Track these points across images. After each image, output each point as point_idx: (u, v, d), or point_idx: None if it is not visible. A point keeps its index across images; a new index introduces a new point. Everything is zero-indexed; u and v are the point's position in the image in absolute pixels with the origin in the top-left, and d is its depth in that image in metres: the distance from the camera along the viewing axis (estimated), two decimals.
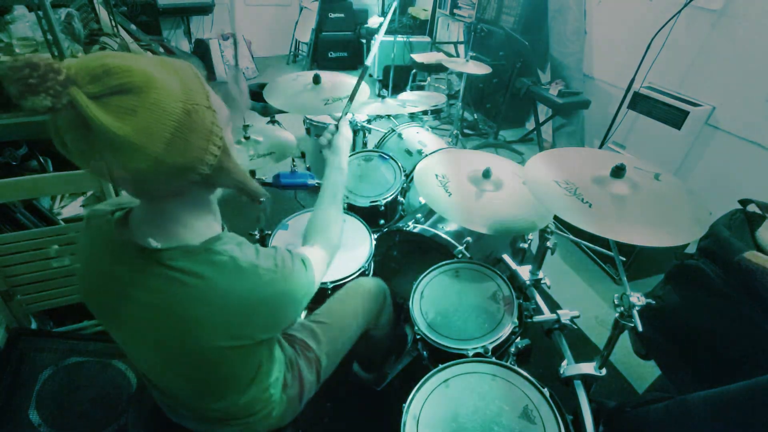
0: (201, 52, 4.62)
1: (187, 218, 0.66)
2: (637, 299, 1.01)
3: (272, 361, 0.86)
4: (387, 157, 1.99)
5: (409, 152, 2.17)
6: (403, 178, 1.91)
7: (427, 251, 1.56)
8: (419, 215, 1.64)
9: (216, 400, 0.78)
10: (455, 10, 4.25)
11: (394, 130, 2.27)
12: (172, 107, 0.54)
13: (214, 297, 0.64)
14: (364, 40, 5.13)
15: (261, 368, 0.81)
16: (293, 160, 2.80)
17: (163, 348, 0.70)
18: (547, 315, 1.33)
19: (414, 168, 1.63)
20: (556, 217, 1.31)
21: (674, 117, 2.39)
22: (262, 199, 0.73)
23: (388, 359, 1.53)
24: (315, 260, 0.79)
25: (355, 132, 2.30)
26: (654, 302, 1.04)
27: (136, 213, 0.68)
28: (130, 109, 0.51)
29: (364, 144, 2.32)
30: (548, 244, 1.31)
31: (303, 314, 1.50)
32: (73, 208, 1.67)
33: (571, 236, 1.70)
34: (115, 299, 0.68)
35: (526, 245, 1.70)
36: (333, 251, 0.90)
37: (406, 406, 0.99)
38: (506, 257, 1.54)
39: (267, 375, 0.84)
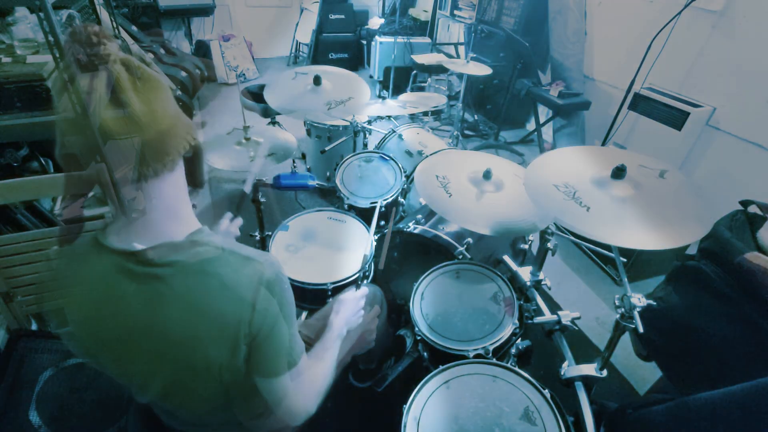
0: (202, 53, 4.63)
1: (179, 202, 0.69)
2: (638, 300, 1.01)
3: None
4: (387, 158, 1.99)
5: (409, 153, 2.17)
6: (404, 179, 1.91)
7: (427, 252, 1.56)
8: (420, 216, 1.64)
9: (223, 410, 0.77)
10: (455, 12, 4.25)
11: (394, 131, 2.27)
12: (165, 106, 0.65)
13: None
14: (364, 42, 5.14)
15: None
16: (294, 161, 2.81)
17: (175, 361, 0.68)
18: (547, 316, 1.33)
19: (414, 169, 1.63)
20: None
21: (675, 118, 2.39)
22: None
23: (383, 364, 1.53)
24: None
25: (355, 133, 2.30)
26: (655, 303, 1.04)
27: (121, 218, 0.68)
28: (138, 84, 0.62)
29: (365, 145, 2.32)
30: (549, 245, 1.31)
31: (303, 315, 1.50)
32: (73, 210, 1.67)
33: (572, 237, 1.69)
34: (121, 323, 0.66)
35: (526, 246, 1.71)
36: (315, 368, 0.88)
37: (406, 407, 0.99)
38: (507, 258, 1.54)
39: None
